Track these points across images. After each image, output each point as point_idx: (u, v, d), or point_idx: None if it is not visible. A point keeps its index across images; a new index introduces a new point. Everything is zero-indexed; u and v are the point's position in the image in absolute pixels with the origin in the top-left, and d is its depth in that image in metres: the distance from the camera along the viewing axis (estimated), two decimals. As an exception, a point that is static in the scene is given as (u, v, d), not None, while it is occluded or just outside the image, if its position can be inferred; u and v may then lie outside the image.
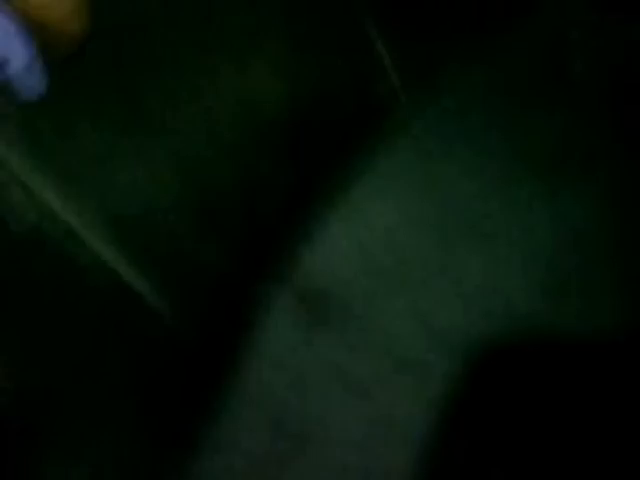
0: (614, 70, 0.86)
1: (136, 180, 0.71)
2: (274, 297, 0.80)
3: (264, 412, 0.74)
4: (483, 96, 0.90)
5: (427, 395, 0.74)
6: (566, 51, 0.87)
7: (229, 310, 0.78)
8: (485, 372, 0.77)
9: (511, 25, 0.90)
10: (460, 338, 0.78)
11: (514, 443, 0.70)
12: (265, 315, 0.78)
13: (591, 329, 0.78)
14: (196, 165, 0.75)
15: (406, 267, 0.82)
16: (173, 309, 0.75)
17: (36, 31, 0.52)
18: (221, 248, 0.78)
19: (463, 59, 0.92)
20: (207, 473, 0.74)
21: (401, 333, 0.77)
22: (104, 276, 0.69)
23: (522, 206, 0.84)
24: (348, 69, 0.85)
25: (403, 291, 0.81)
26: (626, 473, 0.70)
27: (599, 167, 0.83)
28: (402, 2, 0.87)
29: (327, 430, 0.72)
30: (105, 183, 0.70)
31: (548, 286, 0.81)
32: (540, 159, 0.85)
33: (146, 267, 0.72)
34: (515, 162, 0.86)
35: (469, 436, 0.73)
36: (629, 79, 0.85)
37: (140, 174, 0.71)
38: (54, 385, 0.66)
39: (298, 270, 0.82)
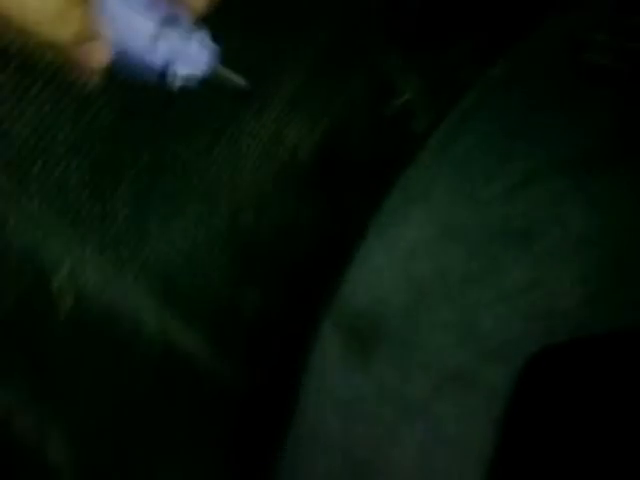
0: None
1: (173, 239, 0.73)
2: (321, 329, 0.82)
3: (324, 442, 0.76)
4: (502, 97, 0.90)
5: (480, 406, 0.75)
6: (589, 50, 0.86)
7: (280, 350, 0.80)
8: (535, 373, 0.77)
9: (533, 25, 0.90)
10: (506, 342, 0.78)
11: (572, 447, 0.71)
12: (314, 348, 0.80)
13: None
14: (226, 213, 0.77)
15: (446, 277, 0.83)
16: (226, 359, 0.77)
17: None
18: (264, 290, 0.79)
19: (481, 61, 0.91)
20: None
21: (447, 345, 0.78)
22: (153, 338, 0.71)
23: (551, 202, 0.84)
24: (364, 90, 0.85)
25: (445, 302, 0.82)
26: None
27: (625, 160, 0.82)
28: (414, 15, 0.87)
29: (386, 454, 0.74)
30: (144, 245, 0.71)
31: (588, 279, 0.81)
32: (564, 156, 0.85)
33: (194, 323, 0.74)
34: (539, 161, 0.85)
35: (526, 441, 0.73)
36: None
37: (176, 232, 0.73)
38: (117, 453, 0.69)
39: (341, 295, 0.84)
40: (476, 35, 0.89)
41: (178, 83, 0.48)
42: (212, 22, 0.63)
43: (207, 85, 0.75)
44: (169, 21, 0.45)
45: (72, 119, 0.68)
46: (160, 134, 0.73)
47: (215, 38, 0.50)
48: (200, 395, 0.74)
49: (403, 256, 0.85)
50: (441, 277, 0.84)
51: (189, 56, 0.46)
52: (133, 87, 0.59)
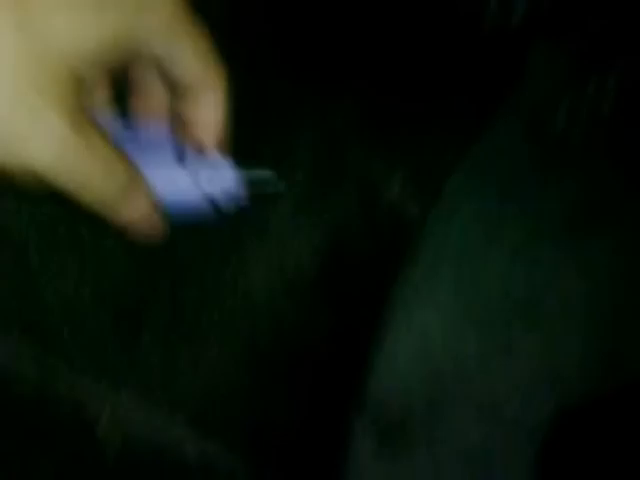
0: (605, 123, 0.90)
1: (200, 369, 0.77)
2: (352, 426, 0.84)
3: None
4: (483, 175, 0.95)
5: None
6: (560, 113, 0.91)
7: (315, 454, 0.82)
8: (555, 443, 0.80)
9: (504, 96, 0.95)
10: (532, 421, 0.81)
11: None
12: (347, 446, 0.83)
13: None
14: (245, 333, 0.80)
15: (461, 360, 0.86)
16: (265, 472, 0.79)
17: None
18: (291, 400, 0.83)
19: (459, 144, 0.96)
20: None
21: (475, 435, 0.81)
22: (195, 464, 0.74)
23: (545, 270, 0.88)
24: (355, 197, 0.90)
25: (464, 387, 0.85)
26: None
27: (615, 217, 0.87)
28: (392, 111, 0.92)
29: None
30: (174, 382, 0.75)
31: (589, 340, 0.85)
32: (558, 219, 0.90)
33: (230, 443, 0.77)
34: (534, 228, 0.89)
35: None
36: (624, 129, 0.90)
37: (202, 363, 0.77)
38: None
39: (367, 390, 0.87)
40: (452, 119, 0.95)
41: (226, 206, 0.48)
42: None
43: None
44: (192, 157, 0.46)
45: (93, 272, 0.72)
46: (174, 271, 0.77)
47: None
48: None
49: (419, 344, 0.89)
50: (457, 361, 0.87)
51: (222, 179, 0.47)
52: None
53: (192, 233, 0.77)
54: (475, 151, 0.98)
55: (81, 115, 0.35)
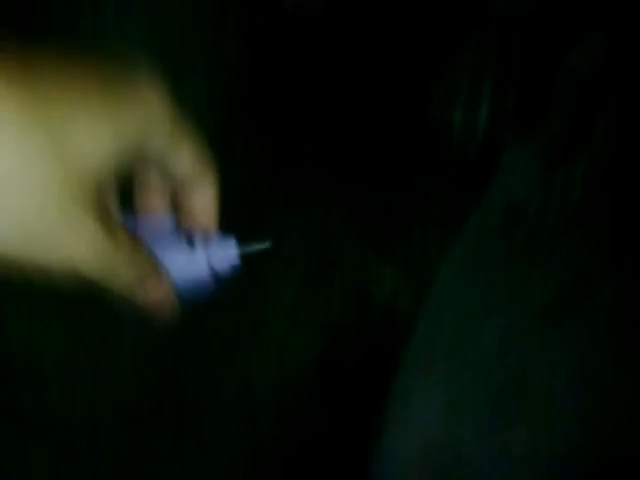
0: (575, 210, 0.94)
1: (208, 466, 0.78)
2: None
3: None
4: (475, 261, 0.98)
5: None
6: (532, 205, 0.96)
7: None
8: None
9: (478, 198, 0.99)
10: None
11: None
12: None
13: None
14: (245, 430, 0.82)
15: (462, 455, 0.88)
16: None
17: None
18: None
19: (448, 233, 0.99)
20: None
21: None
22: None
23: (538, 352, 0.91)
24: (350, 295, 0.94)
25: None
26: None
27: (594, 299, 0.90)
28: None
29: None
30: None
31: (582, 418, 0.86)
32: (541, 304, 0.93)
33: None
34: (520, 315, 0.92)
35: None
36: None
37: (211, 462, 0.79)
38: None
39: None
40: (435, 217, 0.99)
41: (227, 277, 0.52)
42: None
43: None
44: (196, 239, 0.50)
45: (97, 366, 0.75)
46: (176, 373, 0.80)
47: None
48: None
49: (418, 436, 0.90)
50: (455, 452, 0.89)
51: (221, 256, 0.51)
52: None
53: (197, 329, 0.80)
54: (458, 245, 1.02)
55: (106, 213, 0.39)
